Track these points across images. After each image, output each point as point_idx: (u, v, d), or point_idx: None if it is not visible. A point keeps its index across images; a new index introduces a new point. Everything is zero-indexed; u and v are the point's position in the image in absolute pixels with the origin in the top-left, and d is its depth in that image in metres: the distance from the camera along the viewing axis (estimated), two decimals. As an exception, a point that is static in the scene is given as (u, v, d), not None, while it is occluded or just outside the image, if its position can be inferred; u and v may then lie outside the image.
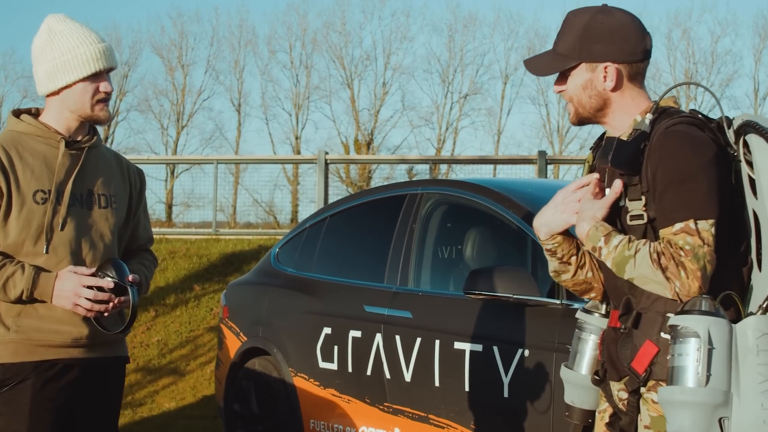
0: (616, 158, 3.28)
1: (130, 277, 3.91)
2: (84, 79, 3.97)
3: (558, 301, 5.29)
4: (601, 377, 3.44)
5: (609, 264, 3.24)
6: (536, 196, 5.97)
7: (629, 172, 3.29)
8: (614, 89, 3.38)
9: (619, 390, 3.39)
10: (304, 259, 7.48)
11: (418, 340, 6.01)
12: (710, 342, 3.01)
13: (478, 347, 5.62)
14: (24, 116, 4.07)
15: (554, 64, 3.46)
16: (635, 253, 3.16)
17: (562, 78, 3.47)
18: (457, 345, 5.75)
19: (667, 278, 3.09)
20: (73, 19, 4.08)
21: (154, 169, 37.99)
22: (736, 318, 3.12)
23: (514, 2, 55.15)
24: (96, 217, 4.04)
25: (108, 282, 3.85)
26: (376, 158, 33.69)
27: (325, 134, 75.04)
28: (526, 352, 5.36)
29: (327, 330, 6.74)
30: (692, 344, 3.02)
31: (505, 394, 5.45)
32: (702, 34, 66.38)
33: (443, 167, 32.76)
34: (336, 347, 6.64)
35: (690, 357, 3.02)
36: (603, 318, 3.56)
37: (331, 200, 17.14)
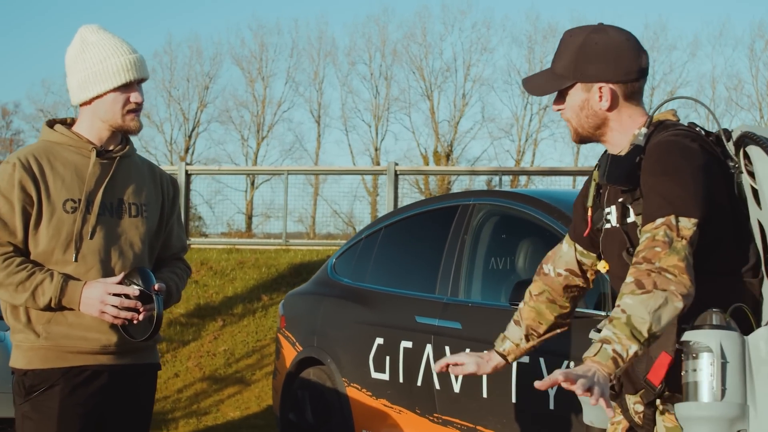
0: (611, 174, 3.27)
1: (156, 286, 3.94)
2: (115, 90, 4.01)
3: (603, 313, 5.24)
4: (617, 391, 3.40)
5: (629, 336, 3.03)
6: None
7: (625, 186, 3.27)
8: (610, 109, 3.37)
9: (635, 403, 3.36)
10: (359, 269, 7.50)
11: (467, 351, 5.98)
12: (723, 356, 2.99)
13: (525, 359, 5.58)
14: (57, 126, 4.12)
15: (550, 84, 3.46)
16: (628, 313, 3.04)
17: (560, 98, 3.46)
18: (505, 356, 5.71)
19: (665, 289, 3.03)
20: (107, 30, 4.13)
21: (233, 180, 38.46)
22: (748, 330, 3.08)
23: (592, 13, 54.79)
24: (126, 225, 4.07)
25: (134, 290, 3.89)
26: (445, 169, 33.70)
27: (404, 145, 75.29)
28: (572, 364, 5.31)
29: (379, 340, 6.74)
30: (705, 359, 2.99)
31: (551, 406, 5.41)
32: (787, 44, 65.47)
33: (522, 178, 32.66)
34: (388, 358, 6.64)
35: (704, 372, 3.00)
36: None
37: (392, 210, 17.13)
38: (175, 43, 72.72)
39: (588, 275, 3.79)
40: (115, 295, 3.88)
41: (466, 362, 3.83)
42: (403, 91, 46.09)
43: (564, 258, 3.78)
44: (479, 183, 26.83)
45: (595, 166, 3.56)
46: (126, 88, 4.03)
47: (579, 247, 3.73)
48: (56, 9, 63.73)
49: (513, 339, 3.86)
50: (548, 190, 7.16)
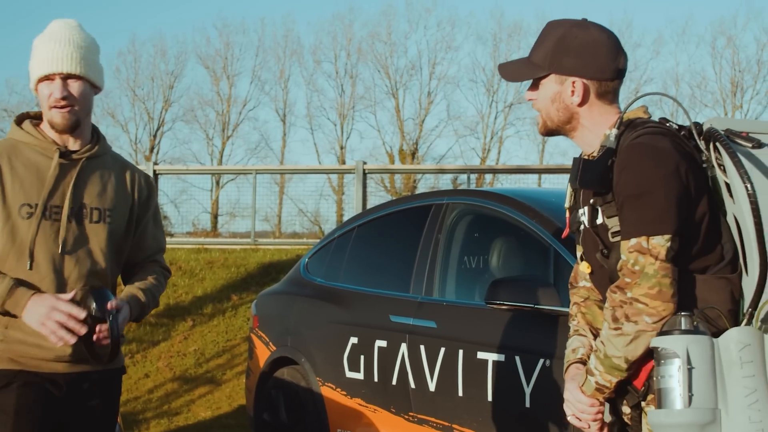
0: (583, 179, 3.29)
1: (110, 305, 3.77)
2: (41, 81, 3.87)
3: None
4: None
5: (608, 369, 3.27)
6: (559, 205, 5.96)
7: (597, 190, 3.30)
8: (581, 104, 3.39)
9: (623, 405, 3.39)
10: (333, 268, 7.51)
11: (442, 349, 6.01)
12: (689, 361, 2.99)
13: (501, 357, 5.61)
14: (25, 124, 3.98)
15: (526, 71, 3.48)
16: (605, 349, 3.24)
17: (535, 87, 3.48)
18: (480, 355, 5.74)
19: (636, 322, 3.14)
20: (79, 25, 3.97)
21: (199, 179, 38.35)
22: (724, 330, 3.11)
23: (558, 11, 54.98)
24: (86, 232, 3.92)
25: (80, 313, 3.72)
26: (413, 168, 33.74)
27: (369, 144, 75.21)
28: (548, 362, 5.34)
29: (353, 340, 6.75)
30: (675, 365, 3.01)
31: (527, 404, 5.43)
32: (747, 42, 65.94)
33: (488, 177, 32.72)
34: (362, 357, 6.65)
35: (674, 378, 3.01)
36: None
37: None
38: (139, 42, 72.41)
39: None
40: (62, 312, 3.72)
41: (570, 399, 3.57)
42: (368, 90, 46.40)
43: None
44: (445, 181, 26.91)
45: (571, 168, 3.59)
46: (50, 80, 3.85)
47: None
48: (21, 8, 63.32)
49: (584, 344, 3.65)
50: (521, 188, 7.16)
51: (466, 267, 6.49)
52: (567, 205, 3.64)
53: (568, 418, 3.56)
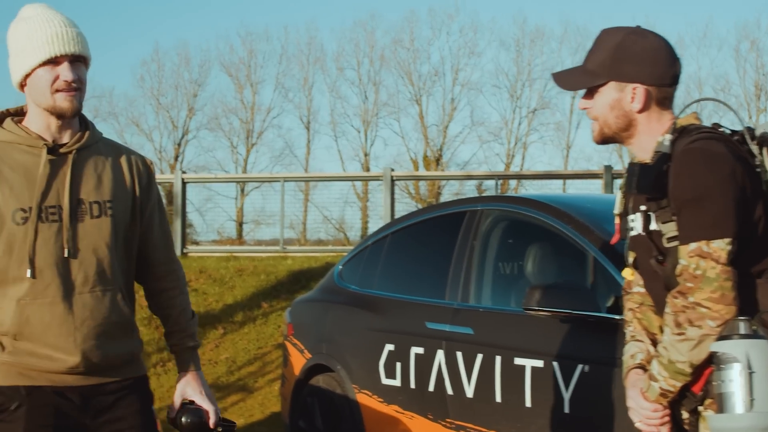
0: (641, 184, 3.30)
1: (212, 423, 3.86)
2: (42, 65, 3.56)
3: (617, 317, 5.27)
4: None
5: (673, 375, 3.28)
6: (595, 210, 5.98)
7: (653, 196, 3.30)
8: (641, 111, 3.39)
9: (681, 409, 3.40)
10: (367, 276, 7.53)
11: (480, 356, 6.02)
12: (749, 365, 3.02)
13: (539, 363, 5.61)
14: (7, 122, 3.68)
15: (583, 79, 3.48)
16: (668, 355, 3.25)
17: (589, 95, 3.48)
18: (518, 361, 5.75)
19: (699, 326, 3.15)
20: (51, 7, 3.68)
21: (224, 188, 38.47)
22: None
23: (581, 16, 54.96)
24: (87, 229, 3.63)
25: None
26: (442, 174, 33.68)
27: (394, 150, 75.15)
28: (586, 368, 5.35)
29: (390, 346, 6.77)
30: (735, 369, 3.04)
31: (566, 410, 5.44)
32: (772, 45, 65.63)
33: (512, 182, 32.72)
34: (398, 364, 6.66)
35: (734, 383, 3.04)
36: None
37: (398, 216, 17.16)
38: (162, 51, 72.51)
39: None
40: None
41: (635, 406, 3.52)
42: (391, 96, 46.20)
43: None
44: (469, 187, 26.90)
45: (625, 173, 3.59)
46: (55, 63, 3.56)
47: None
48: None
49: (642, 349, 3.58)
50: (556, 194, 7.17)
51: (501, 273, 6.50)
52: (617, 211, 3.63)
53: (636, 425, 3.54)
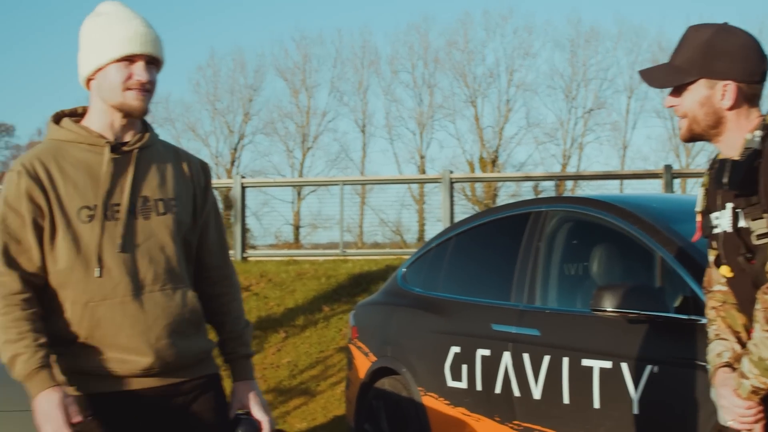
0: (733, 180, 3.26)
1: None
2: (117, 61, 3.52)
3: (686, 317, 5.24)
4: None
5: (764, 372, 3.25)
6: (660, 210, 5.95)
7: (744, 192, 3.26)
8: (731, 108, 3.35)
9: None
10: (431, 278, 7.53)
11: (547, 357, 6.00)
12: None
13: (607, 364, 5.59)
14: (65, 121, 3.64)
15: (673, 77, 3.43)
16: (759, 351, 3.22)
17: (677, 92, 3.44)
18: (585, 362, 5.73)
19: None
20: (128, 6, 3.65)
21: (281, 192, 38.63)
22: None
23: (636, 15, 54.66)
24: (153, 226, 3.59)
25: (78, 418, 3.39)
26: (500, 176, 33.58)
27: (449, 153, 75.05)
28: (655, 369, 5.32)
29: (455, 349, 6.76)
30: None
31: (635, 411, 5.41)
32: None
33: (569, 183, 32.60)
34: (465, 366, 6.66)
35: None
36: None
37: (457, 219, 17.16)
38: (218, 57, 73.11)
39: None
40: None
41: (727, 405, 3.49)
42: (446, 99, 46.19)
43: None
44: (526, 189, 26.80)
45: (707, 171, 3.56)
46: (130, 62, 3.53)
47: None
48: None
49: (728, 348, 3.55)
50: (621, 194, 7.14)
51: (567, 274, 6.48)
52: (699, 208, 3.60)
53: (729, 424, 3.51)
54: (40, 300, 3.50)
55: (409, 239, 29.67)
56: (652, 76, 3.50)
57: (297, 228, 36.57)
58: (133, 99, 3.54)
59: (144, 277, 3.53)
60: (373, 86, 61.36)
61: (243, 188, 19.13)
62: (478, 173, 40.03)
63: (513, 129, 56.45)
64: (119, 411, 3.52)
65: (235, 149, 46.71)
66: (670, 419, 5.23)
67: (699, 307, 5.09)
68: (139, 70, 3.53)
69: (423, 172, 42.75)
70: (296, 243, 31.58)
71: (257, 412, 3.85)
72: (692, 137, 3.47)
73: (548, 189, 25.55)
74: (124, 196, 3.54)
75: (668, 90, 3.48)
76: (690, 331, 5.20)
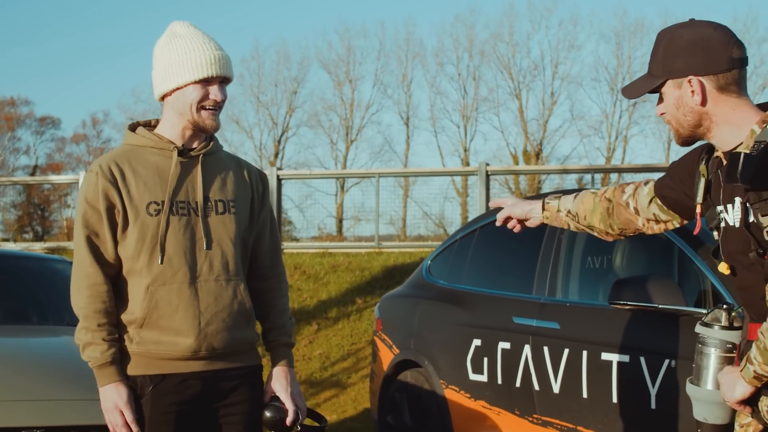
0: (745, 174, 3.14)
1: (289, 420, 4.03)
2: (196, 83, 3.93)
3: (705, 311, 5.17)
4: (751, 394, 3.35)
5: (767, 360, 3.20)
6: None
7: (759, 187, 3.16)
8: (703, 103, 3.27)
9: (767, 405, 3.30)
10: (455, 271, 7.49)
11: (566, 351, 5.96)
12: None
13: (625, 358, 5.55)
14: (139, 129, 4.08)
15: (644, 85, 3.40)
16: (765, 340, 3.15)
17: (661, 100, 3.40)
18: (604, 356, 5.68)
19: None
20: (198, 27, 4.06)
21: (324, 184, 38.67)
22: None
23: (680, 7, 54.12)
24: (213, 224, 3.98)
25: (131, 417, 3.85)
26: (536, 168, 33.43)
27: (494, 145, 75.03)
28: (673, 363, 5.26)
29: (477, 342, 6.73)
30: None
31: (653, 406, 5.36)
32: None
33: (613, 176, 32.39)
34: (486, 359, 6.62)
35: None
36: (724, 330, 3.49)
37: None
38: (262, 49, 73.47)
39: (653, 226, 3.85)
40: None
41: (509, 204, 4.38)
42: (491, 91, 46.21)
43: (642, 202, 3.82)
44: (570, 181, 26.72)
45: (703, 161, 3.47)
46: (207, 83, 3.95)
47: (659, 202, 3.75)
48: (145, 19, 64.56)
49: (562, 205, 4.13)
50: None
51: (588, 267, 6.43)
52: (699, 200, 3.49)
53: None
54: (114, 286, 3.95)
55: (452, 232, 29.58)
56: (629, 88, 3.48)
57: (340, 221, 36.57)
58: (207, 118, 3.98)
59: (201, 268, 3.94)
60: (418, 78, 61.43)
61: (279, 180, 19.11)
62: (515, 166, 39.83)
63: (557, 122, 56.48)
64: (168, 393, 3.89)
65: (279, 141, 46.87)
66: (687, 414, 5.16)
67: (718, 302, 5.03)
68: (215, 91, 3.96)
69: (467, 164, 42.64)
70: (339, 235, 31.57)
71: (286, 399, 4.10)
72: (684, 141, 3.40)
73: (590, 182, 25.40)
74: (189, 195, 3.97)
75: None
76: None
